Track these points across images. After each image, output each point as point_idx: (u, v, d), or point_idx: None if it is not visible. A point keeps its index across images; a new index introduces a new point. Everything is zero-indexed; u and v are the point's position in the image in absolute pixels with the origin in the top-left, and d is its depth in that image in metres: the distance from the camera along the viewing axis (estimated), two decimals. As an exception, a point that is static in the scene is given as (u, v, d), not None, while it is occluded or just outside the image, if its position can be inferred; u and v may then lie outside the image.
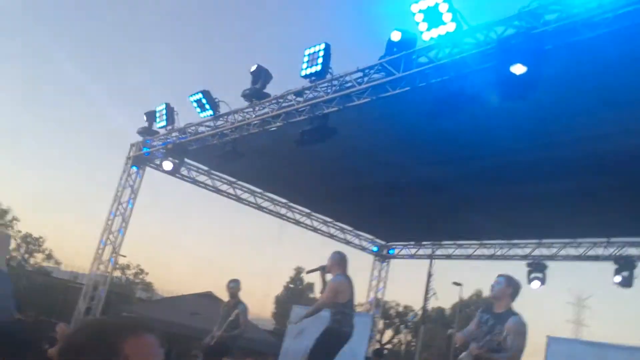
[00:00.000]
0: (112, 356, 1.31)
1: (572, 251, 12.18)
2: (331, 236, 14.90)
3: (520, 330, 5.38)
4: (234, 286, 8.63)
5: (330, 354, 6.65)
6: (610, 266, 11.28)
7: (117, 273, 33.95)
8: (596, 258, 11.78)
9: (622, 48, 5.52)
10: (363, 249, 15.72)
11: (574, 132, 7.41)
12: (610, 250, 11.52)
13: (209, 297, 17.59)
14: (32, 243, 35.10)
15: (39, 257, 33.66)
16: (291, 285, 43.33)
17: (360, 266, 15.88)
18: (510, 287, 5.67)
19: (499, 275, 5.73)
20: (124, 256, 27.59)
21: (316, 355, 6.71)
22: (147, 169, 11.82)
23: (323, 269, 6.91)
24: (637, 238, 11.13)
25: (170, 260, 66.46)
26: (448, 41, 6.05)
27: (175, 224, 69.12)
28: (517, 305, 5.77)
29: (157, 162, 11.52)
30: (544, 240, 12.51)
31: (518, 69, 5.35)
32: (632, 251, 11.22)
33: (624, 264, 11.03)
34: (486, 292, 5.95)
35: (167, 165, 10.42)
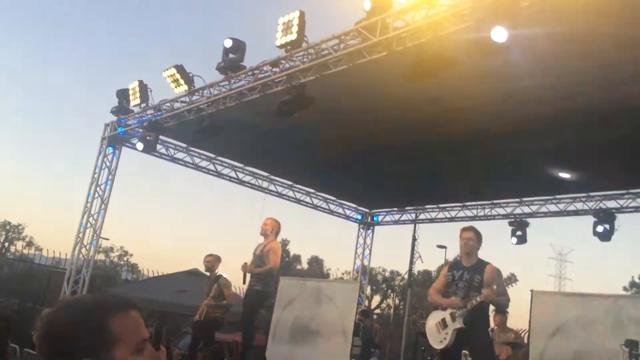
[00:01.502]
0: (99, 335, 1.26)
1: (552, 207, 12.39)
2: (315, 207, 14.93)
3: (500, 276, 5.57)
4: (210, 260, 8.66)
5: (257, 312, 7.96)
6: (590, 221, 11.52)
7: (101, 256, 33.78)
8: (576, 213, 12.01)
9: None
10: (347, 217, 15.79)
11: (551, 91, 7.43)
12: (590, 205, 11.74)
13: (195, 274, 17.55)
14: (11, 231, 34.62)
15: (19, 245, 33.28)
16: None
17: (345, 234, 16.02)
18: (480, 240, 5.78)
19: (467, 230, 5.78)
20: (107, 239, 27.35)
21: (248, 316, 7.73)
22: (124, 148, 11.61)
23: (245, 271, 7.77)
24: (616, 191, 11.34)
25: (155, 240, 66.26)
26: (423, 3, 5.97)
27: (157, 203, 68.79)
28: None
29: (134, 141, 11.33)
30: (525, 199, 12.70)
31: (499, 34, 5.31)
32: (611, 204, 11.44)
33: (604, 217, 11.26)
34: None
35: (140, 145, 10.26)
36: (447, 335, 5.61)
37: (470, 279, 5.63)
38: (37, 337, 1.29)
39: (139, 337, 1.31)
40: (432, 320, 5.90)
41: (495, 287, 5.37)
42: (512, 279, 5.47)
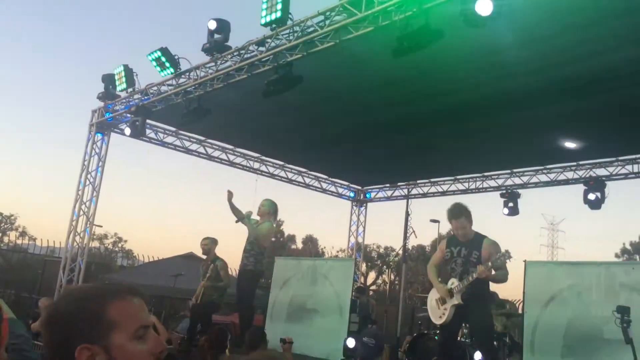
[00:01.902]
0: (96, 321, 1.27)
1: (543, 177, 12.46)
2: (307, 186, 14.93)
3: (498, 249, 5.63)
4: (207, 243, 8.68)
5: (253, 293, 8.16)
6: (581, 189, 11.60)
7: (96, 244, 33.77)
8: (566, 182, 12.08)
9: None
10: (340, 195, 15.82)
11: (539, 60, 7.40)
12: (580, 173, 11.81)
13: (190, 257, 17.57)
14: (3, 222, 34.49)
15: (12, 235, 33.19)
16: (272, 239, 43.71)
17: (339, 213, 16.06)
18: (470, 218, 5.81)
19: (456, 218, 5.74)
20: (100, 226, 27.34)
21: (245, 297, 7.97)
22: (113, 134, 11.51)
23: (247, 216, 7.91)
24: (605, 159, 11.40)
25: (149, 226, 66.24)
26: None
27: (149, 188, 68.59)
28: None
29: (122, 126, 11.23)
30: (516, 170, 12.75)
31: (483, 7, 5.26)
32: (601, 172, 11.51)
33: (594, 186, 11.34)
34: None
35: (128, 130, 10.17)
36: (446, 310, 5.69)
37: (468, 254, 5.69)
38: (41, 323, 1.35)
39: (138, 323, 1.31)
40: (432, 296, 5.98)
41: (490, 263, 5.42)
42: (506, 255, 5.51)
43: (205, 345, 5.74)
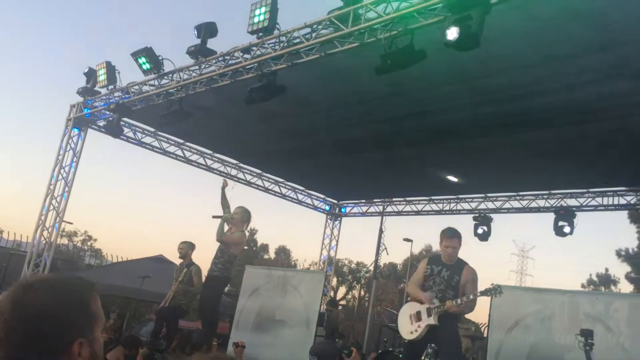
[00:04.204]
0: (85, 314, 1.27)
1: (515, 204, 12.67)
2: (283, 196, 14.91)
3: (476, 278, 5.72)
4: (183, 247, 8.61)
5: (219, 299, 8.08)
6: (551, 218, 11.81)
7: (64, 240, 33.12)
8: (538, 210, 12.31)
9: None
10: (315, 208, 15.83)
11: (518, 88, 7.56)
12: (552, 202, 12.04)
13: (159, 260, 17.40)
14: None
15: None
16: (245, 247, 43.35)
17: (313, 225, 16.06)
18: (461, 243, 5.89)
19: (451, 238, 5.82)
20: (70, 223, 26.82)
21: (208, 303, 7.84)
22: (90, 130, 11.36)
23: (227, 220, 7.94)
24: (577, 190, 11.65)
25: (121, 226, 65.27)
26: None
27: (123, 188, 67.66)
28: (465, 259, 5.98)
29: (100, 123, 11.10)
30: (490, 195, 12.94)
31: (452, 33, 5.37)
32: (571, 202, 11.75)
33: (564, 215, 11.55)
34: (435, 247, 6.16)
35: (106, 127, 10.09)
36: (420, 328, 5.71)
37: (450, 277, 5.76)
38: (7, 319, 1.23)
39: (103, 317, 1.35)
40: (407, 311, 5.98)
41: (459, 300, 5.53)
42: (497, 290, 5.51)
43: (176, 349, 5.73)
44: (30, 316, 1.22)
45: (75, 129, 11.20)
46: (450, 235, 5.86)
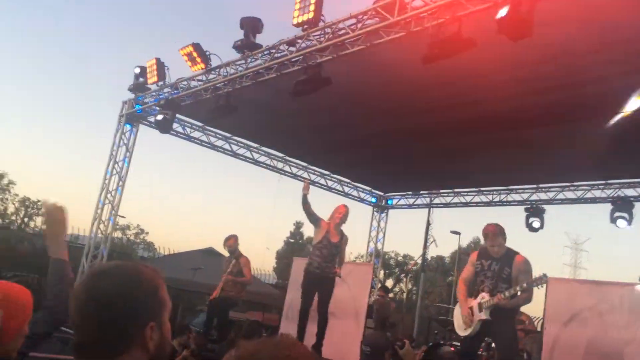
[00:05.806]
0: (156, 299, 1.34)
1: (569, 194, 12.24)
2: (329, 189, 14.91)
3: (529, 269, 5.60)
4: (232, 243, 8.74)
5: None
6: (608, 208, 11.37)
7: (118, 234, 34.24)
8: (593, 200, 11.85)
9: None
10: (361, 200, 15.76)
11: (570, 77, 7.29)
12: (608, 193, 11.58)
13: (210, 252, 17.72)
14: (30, 207, 35.21)
15: (38, 221, 33.83)
16: (291, 240, 43.80)
17: (359, 218, 15.99)
18: (505, 237, 5.76)
19: (493, 237, 5.73)
20: (123, 217, 27.76)
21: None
22: (141, 126, 11.68)
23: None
24: (635, 179, 11.16)
25: (171, 219, 66.96)
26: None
27: (173, 182, 69.34)
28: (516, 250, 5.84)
29: (151, 119, 11.38)
30: (542, 185, 12.55)
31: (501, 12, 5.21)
32: (629, 192, 11.27)
33: (621, 205, 11.10)
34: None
35: (157, 123, 10.30)
36: (472, 323, 5.65)
37: (500, 270, 5.65)
38: (83, 306, 1.30)
39: (170, 303, 1.41)
40: (460, 308, 5.95)
41: (507, 293, 5.41)
42: (543, 279, 5.43)
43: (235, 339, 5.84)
44: (105, 302, 1.28)
45: (128, 125, 11.53)
46: (490, 235, 5.77)
